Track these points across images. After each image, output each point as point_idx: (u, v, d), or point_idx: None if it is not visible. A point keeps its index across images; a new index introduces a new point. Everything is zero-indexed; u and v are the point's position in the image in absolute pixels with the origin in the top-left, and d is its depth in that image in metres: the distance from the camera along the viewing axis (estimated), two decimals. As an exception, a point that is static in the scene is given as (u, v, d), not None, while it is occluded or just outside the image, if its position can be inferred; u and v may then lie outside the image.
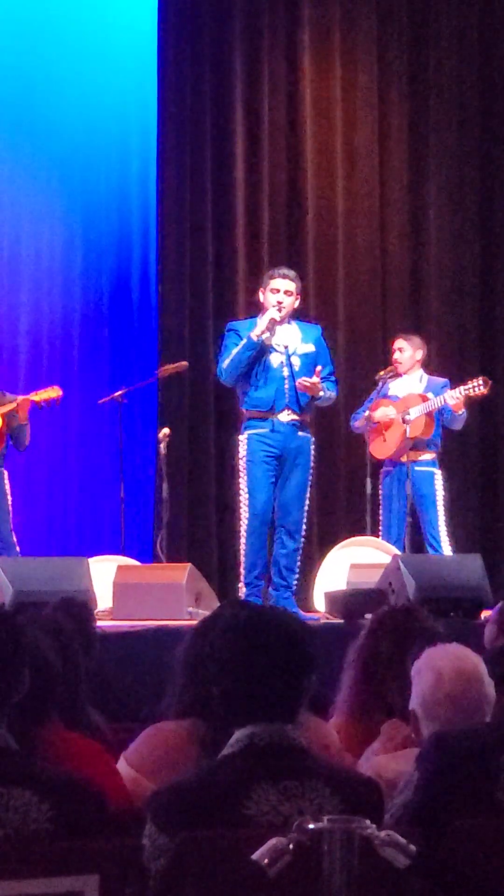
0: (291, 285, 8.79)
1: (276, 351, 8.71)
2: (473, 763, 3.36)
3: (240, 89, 11.35)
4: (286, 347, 8.71)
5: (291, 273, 8.96)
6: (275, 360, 8.71)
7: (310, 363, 8.71)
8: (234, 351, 8.71)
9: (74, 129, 11.12)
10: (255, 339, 8.65)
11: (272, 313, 8.67)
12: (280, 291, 8.73)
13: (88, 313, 11.21)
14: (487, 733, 3.49)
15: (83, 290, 11.21)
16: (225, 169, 11.29)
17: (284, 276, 8.84)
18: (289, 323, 8.80)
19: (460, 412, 9.48)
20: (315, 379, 8.64)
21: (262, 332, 8.64)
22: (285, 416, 8.71)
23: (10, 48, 11.02)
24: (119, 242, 11.35)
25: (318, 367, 8.70)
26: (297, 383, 8.64)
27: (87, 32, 11.17)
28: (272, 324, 8.66)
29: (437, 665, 3.75)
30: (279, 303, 8.69)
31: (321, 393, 8.68)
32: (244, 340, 8.69)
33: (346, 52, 11.64)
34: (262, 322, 8.68)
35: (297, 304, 8.86)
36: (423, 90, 11.83)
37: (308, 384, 8.61)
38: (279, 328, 8.73)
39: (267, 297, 8.78)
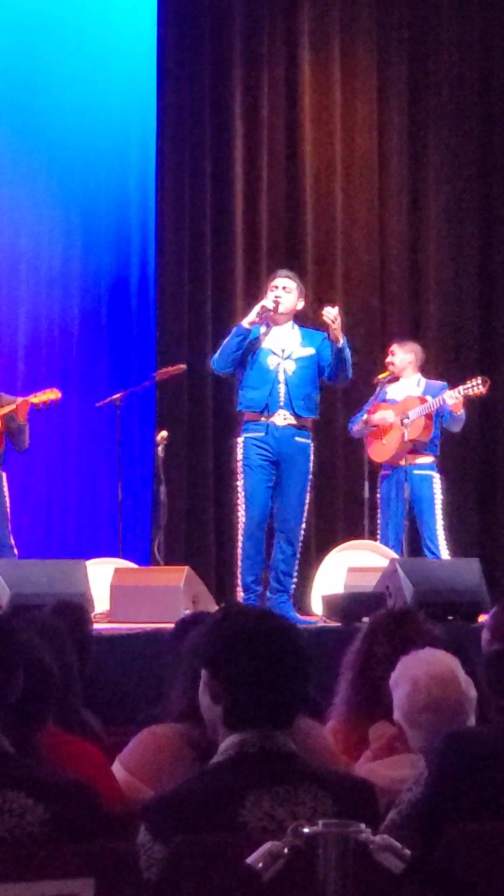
0: (290, 283, 8.76)
1: (274, 354, 8.69)
2: (484, 764, 3.35)
3: (239, 95, 11.35)
4: (283, 350, 8.69)
5: (291, 273, 8.97)
6: (271, 362, 8.68)
7: (308, 366, 8.67)
8: (226, 340, 8.73)
9: (74, 132, 11.12)
10: (245, 325, 8.64)
11: (265, 302, 8.66)
12: (279, 287, 8.72)
13: (87, 316, 11.21)
14: (500, 735, 3.48)
15: (82, 293, 11.21)
16: (224, 174, 11.29)
17: (285, 276, 8.84)
18: (292, 327, 8.79)
19: (459, 413, 9.48)
20: (335, 310, 8.48)
21: (254, 321, 8.62)
22: (281, 420, 8.67)
23: (9, 52, 11.02)
24: (118, 246, 11.35)
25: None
26: (322, 312, 8.51)
27: (86, 38, 11.17)
28: (264, 311, 8.63)
29: (411, 673, 3.74)
30: (276, 297, 8.67)
31: (341, 340, 8.46)
32: (235, 328, 8.70)
33: (346, 59, 11.64)
34: (254, 310, 8.68)
35: (299, 305, 8.83)
36: (423, 96, 11.83)
37: (332, 317, 8.40)
38: (278, 331, 8.70)
39: (267, 296, 8.77)
